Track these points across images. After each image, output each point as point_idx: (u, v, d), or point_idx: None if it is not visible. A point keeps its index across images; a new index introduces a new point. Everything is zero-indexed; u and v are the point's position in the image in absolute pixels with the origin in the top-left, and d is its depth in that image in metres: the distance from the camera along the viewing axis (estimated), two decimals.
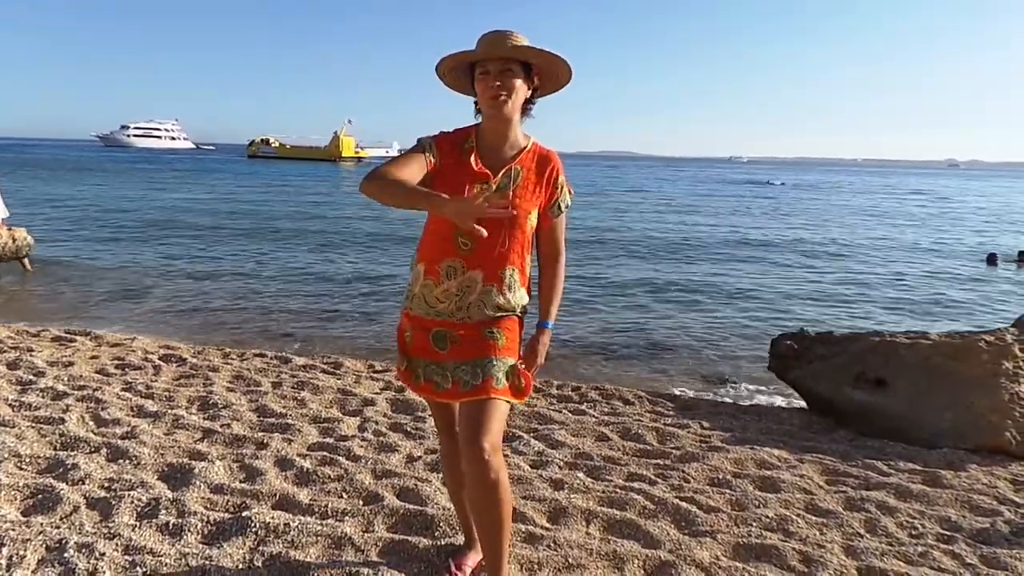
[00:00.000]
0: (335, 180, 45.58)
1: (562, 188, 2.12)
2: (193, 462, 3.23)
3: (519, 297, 2.10)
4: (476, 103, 2.08)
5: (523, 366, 2.10)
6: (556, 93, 2.14)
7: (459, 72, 2.07)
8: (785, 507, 3.10)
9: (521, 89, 1.99)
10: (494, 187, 2.00)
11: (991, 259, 15.50)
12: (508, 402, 2.03)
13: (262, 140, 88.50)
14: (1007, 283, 13.24)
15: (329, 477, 3.17)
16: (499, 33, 1.97)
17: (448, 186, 1.96)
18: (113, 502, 2.78)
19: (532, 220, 2.08)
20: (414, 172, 1.93)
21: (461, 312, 2.05)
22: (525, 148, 2.08)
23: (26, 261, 10.28)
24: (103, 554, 2.38)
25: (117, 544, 2.47)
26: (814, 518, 3.00)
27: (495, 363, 2.02)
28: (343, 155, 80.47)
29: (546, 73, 2.06)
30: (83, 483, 2.97)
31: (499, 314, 2.07)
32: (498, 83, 1.95)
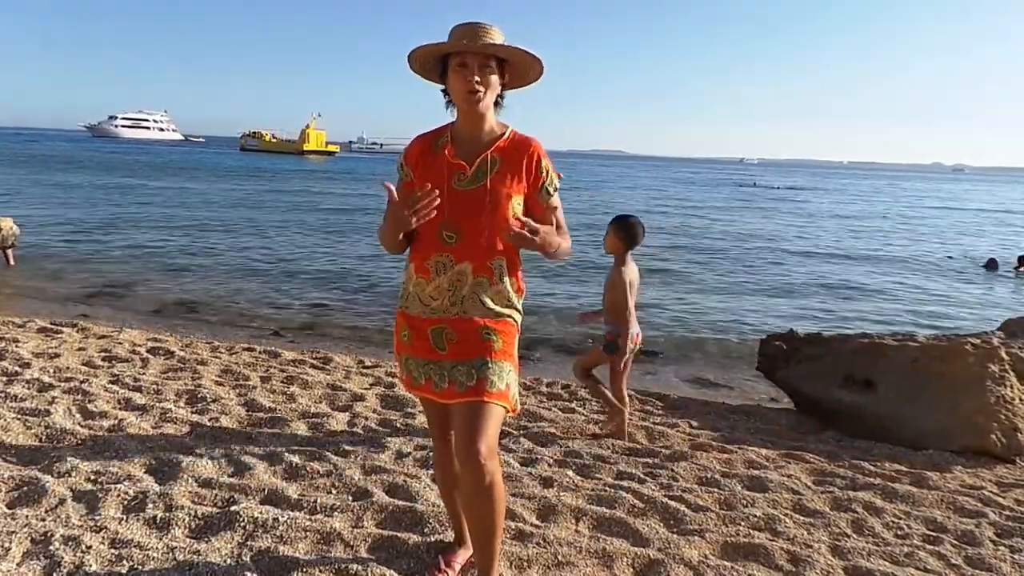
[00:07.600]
0: (296, 174, 44.91)
1: (547, 172, 2.06)
2: (181, 456, 3.21)
3: (512, 288, 2.08)
4: (445, 94, 2.04)
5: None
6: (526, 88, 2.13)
7: (430, 62, 2.02)
8: (773, 507, 3.12)
9: (496, 84, 1.98)
10: (469, 176, 2.00)
11: (991, 264, 15.36)
12: (503, 407, 2.00)
13: (251, 133, 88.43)
14: (1006, 288, 13.37)
15: (318, 472, 3.16)
16: (476, 26, 1.93)
17: (426, 181, 1.97)
18: (100, 495, 2.76)
19: (516, 207, 2.02)
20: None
21: (456, 308, 2.02)
22: (502, 136, 2.05)
23: (10, 252, 10.07)
24: (89, 547, 2.37)
25: (103, 537, 2.45)
26: (801, 518, 3.02)
27: (490, 365, 1.99)
28: (307, 148, 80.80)
29: (517, 70, 2.05)
30: (69, 476, 2.95)
31: (497, 309, 2.04)
32: (477, 79, 1.93)
